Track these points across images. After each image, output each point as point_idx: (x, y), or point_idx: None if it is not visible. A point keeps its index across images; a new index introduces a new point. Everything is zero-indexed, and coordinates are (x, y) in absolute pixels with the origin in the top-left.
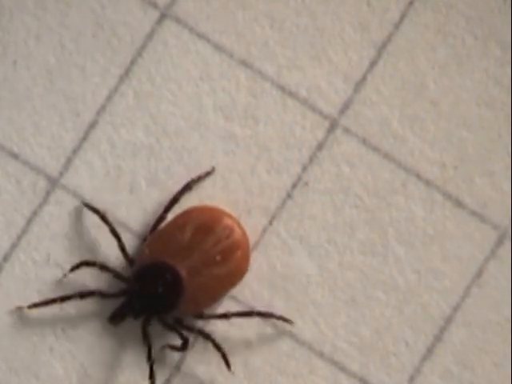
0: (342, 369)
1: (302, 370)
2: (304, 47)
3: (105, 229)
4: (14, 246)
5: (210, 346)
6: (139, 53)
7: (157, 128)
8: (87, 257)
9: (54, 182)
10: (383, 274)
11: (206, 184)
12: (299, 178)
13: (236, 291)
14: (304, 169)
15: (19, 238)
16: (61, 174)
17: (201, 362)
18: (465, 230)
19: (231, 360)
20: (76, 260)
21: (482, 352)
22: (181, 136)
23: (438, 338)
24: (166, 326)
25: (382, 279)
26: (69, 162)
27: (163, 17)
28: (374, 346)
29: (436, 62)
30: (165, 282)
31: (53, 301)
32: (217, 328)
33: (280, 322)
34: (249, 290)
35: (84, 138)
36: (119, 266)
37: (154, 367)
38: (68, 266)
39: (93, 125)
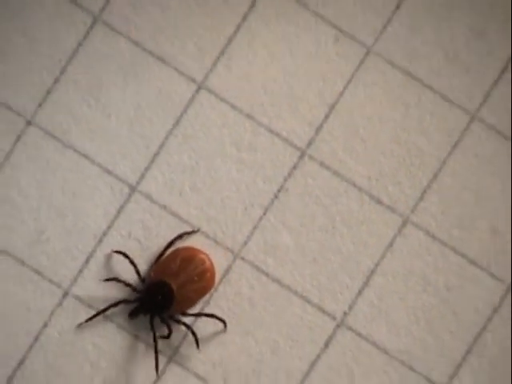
0: (308, 301)
1: (283, 304)
2: (285, 103)
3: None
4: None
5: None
6: (182, 114)
7: (197, 159)
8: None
9: (133, 189)
10: (332, 244)
11: (218, 187)
12: (282, 186)
13: (243, 254)
14: (285, 179)
15: (109, 227)
16: (137, 183)
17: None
18: (377, 219)
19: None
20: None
21: (399, 299)
22: (209, 161)
23: (366, 284)
24: (163, 321)
25: (331, 247)
26: (144, 172)
27: (199, 89)
28: (330, 279)
29: (365, 114)
30: (163, 293)
31: (102, 311)
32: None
33: (272, 273)
34: (252, 252)
35: (151, 163)
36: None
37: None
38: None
39: (157, 153)
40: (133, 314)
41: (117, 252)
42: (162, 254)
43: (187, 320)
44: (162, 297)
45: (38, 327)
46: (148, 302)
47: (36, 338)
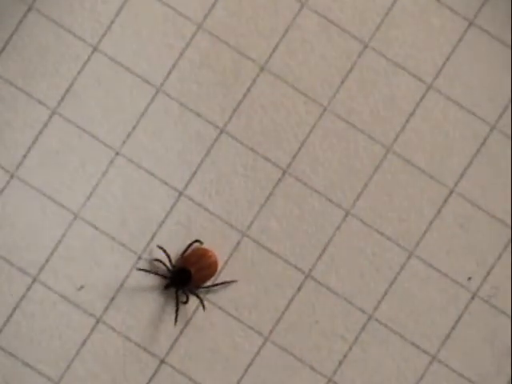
0: (287, 262)
1: (271, 264)
2: (274, 143)
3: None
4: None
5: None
6: None
7: (220, 178)
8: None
9: (180, 193)
10: (303, 227)
11: (234, 195)
12: (271, 192)
13: (248, 233)
14: (273, 188)
15: (166, 216)
16: (186, 186)
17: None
18: (329, 212)
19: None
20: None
21: (345, 260)
22: (227, 179)
23: (324, 250)
24: (184, 292)
25: (302, 228)
26: (188, 182)
27: (221, 132)
28: (300, 248)
29: (323, 146)
30: (185, 275)
31: (147, 271)
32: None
33: (265, 244)
34: (253, 232)
35: (191, 179)
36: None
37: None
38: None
39: (194, 173)
40: (166, 287)
41: (159, 247)
42: (185, 250)
43: (204, 290)
44: (184, 277)
45: (124, 276)
46: (175, 280)
47: (122, 284)
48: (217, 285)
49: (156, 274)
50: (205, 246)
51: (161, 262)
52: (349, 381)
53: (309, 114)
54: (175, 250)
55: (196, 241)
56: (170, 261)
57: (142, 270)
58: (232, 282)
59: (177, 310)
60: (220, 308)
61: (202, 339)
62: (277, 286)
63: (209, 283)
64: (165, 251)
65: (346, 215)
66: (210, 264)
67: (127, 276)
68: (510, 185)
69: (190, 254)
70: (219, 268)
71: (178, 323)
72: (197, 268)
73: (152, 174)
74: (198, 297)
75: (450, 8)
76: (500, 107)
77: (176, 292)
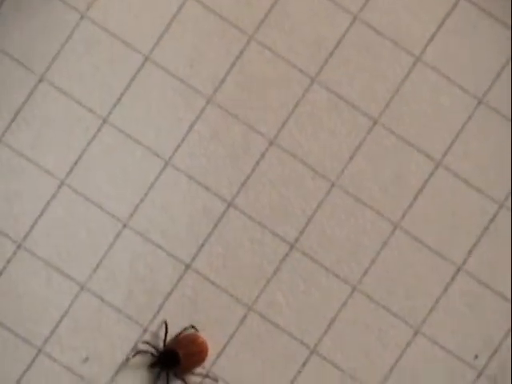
0: (293, 337)
1: (280, 341)
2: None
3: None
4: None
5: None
6: None
7: (227, 246)
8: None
9: (187, 266)
10: (313, 301)
11: (242, 267)
12: (278, 267)
13: (254, 307)
14: (279, 265)
15: (173, 288)
16: (193, 259)
17: None
18: (333, 288)
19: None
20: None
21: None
22: (236, 249)
23: (332, 322)
24: (168, 375)
25: (315, 304)
26: (197, 254)
27: (228, 206)
28: (308, 318)
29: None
30: (173, 357)
31: (137, 353)
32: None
33: (272, 319)
34: (259, 307)
35: (197, 254)
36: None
37: None
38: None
39: (201, 248)
40: (152, 366)
41: (165, 323)
42: (179, 334)
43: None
44: (171, 360)
45: (130, 348)
46: (163, 360)
47: (127, 357)
48: (203, 375)
49: (145, 352)
50: (201, 332)
51: (141, 352)
52: None
53: (317, 189)
54: (180, 323)
55: (187, 328)
56: (165, 340)
57: (133, 355)
58: (216, 381)
59: None
60: (225, 382)
61: None
62: (282, 361)
63: (196, 371)
64: (166, 328)
65: (353, 291)
66: (200, 351)
67: (133, 348)
68: None
69: (182, 337)
70: (213, 355)
71: None
72: (186, 352)
73: (159, 247)
74: (183, 380)
75: (460, 86)
76: (508, 186)
77: (159, 372)
